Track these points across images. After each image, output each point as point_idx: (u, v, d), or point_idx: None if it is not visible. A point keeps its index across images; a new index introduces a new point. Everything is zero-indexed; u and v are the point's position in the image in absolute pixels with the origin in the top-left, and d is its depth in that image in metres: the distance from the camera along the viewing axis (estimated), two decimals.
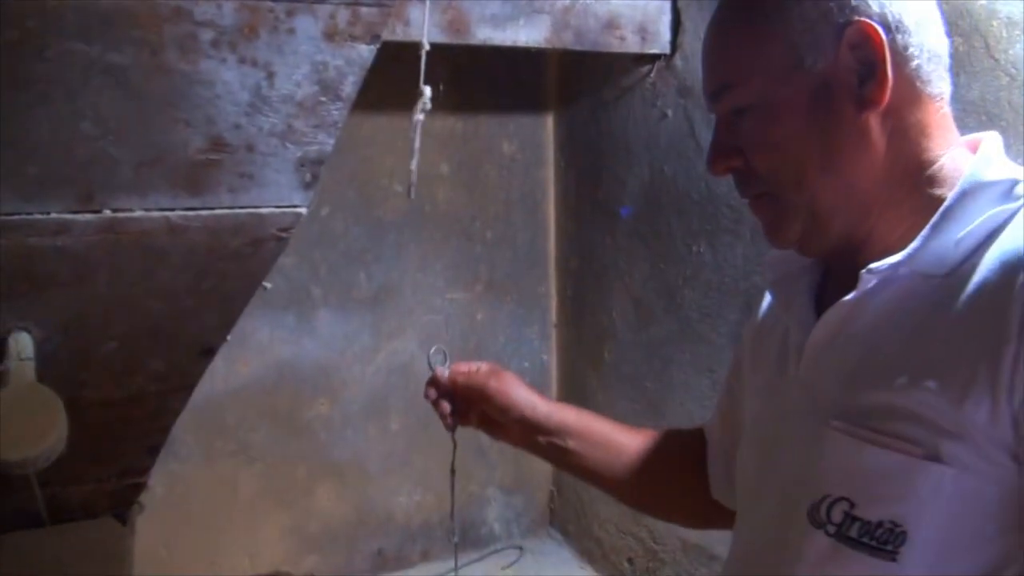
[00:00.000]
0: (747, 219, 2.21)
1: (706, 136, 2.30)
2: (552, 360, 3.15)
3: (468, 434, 3.00)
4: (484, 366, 1.59)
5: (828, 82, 0.96)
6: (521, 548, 3.12)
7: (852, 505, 0.93)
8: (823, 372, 1.02)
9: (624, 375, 2.77)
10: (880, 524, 0.91)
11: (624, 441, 1.46)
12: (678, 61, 2.39)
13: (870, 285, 0.96)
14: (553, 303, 3.12)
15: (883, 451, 0.92)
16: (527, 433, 1.50)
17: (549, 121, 2.99)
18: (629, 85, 2.59)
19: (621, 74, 2.62)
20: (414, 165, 1.60)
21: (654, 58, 2.46)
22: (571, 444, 1.46)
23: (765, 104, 0.98)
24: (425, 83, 1.54)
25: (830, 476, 0.96)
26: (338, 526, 2.87)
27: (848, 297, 0.98)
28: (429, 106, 1.60)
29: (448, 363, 1.62)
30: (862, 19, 0.93)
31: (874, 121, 0.96)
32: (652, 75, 2.49)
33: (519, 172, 2.97)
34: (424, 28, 1.83)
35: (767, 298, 1.24)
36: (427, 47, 1.62)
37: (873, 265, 0.95)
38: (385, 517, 2.95)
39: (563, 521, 3.19)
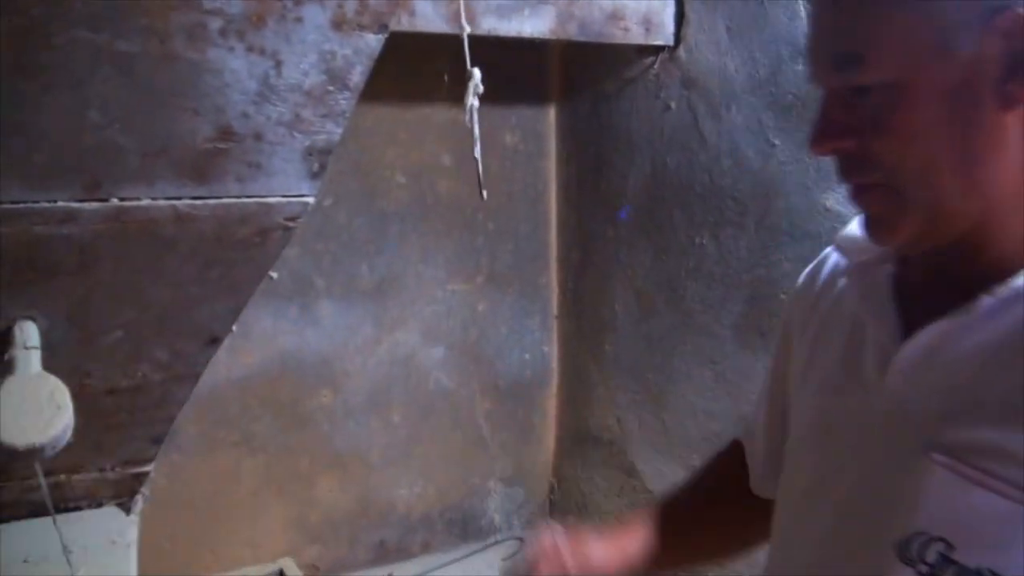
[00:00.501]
0: (752, 211, 2.21)
1: (711, 128, 2.30)
2: (553, 352, 3.15)
3: (469, 423, 3.02)
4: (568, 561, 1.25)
5: (972, 71, 0.84)
6: (522, 539, 3.12)
7: (950, 547, 0.85)
8: (919, 392, 0.92)
9: (625, 367, 2.77)
10: (979, 572, 0.83)
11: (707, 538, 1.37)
12: (682, 53, 2.39)
13: (987, 305, 0.87)
14: (554, 295, 3.12)
15: (992, 495, 0.83)
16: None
17: (551, 113, 2.99)
18: (632, 77, 2.59)
19: (624, 66, 2.61)
20: (478, 153, 1.54)
21: (658, 50, 2.46)
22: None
23: (901, 85, 0.86)
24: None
25: (928, 513, 0.87)
26: (340, 517, 2.88)
27: (959, 316, 0.89)
28: (482, 89, 1.53)
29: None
30: (1018, 8, 0.82)
31: (1014, 120, 0.85)
32: (656, 67, 2.49)
33: (521, 163, 2.97)
34: (461, 15, 1.79)
35: (825, 269, 1.13)
36: (468, 30, 1.57)
37: (999, 290, 0.87)
38: (387, 508, 2.95)
39: (563, 513, 3.19)
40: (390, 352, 2.86)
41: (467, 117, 1.47)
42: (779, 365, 1.21)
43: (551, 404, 3.20)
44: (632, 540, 1.29)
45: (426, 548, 3.03)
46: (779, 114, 2.12)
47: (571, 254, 3.00)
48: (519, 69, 2.91)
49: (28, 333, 1.42)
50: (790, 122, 2.09)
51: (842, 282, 1.07)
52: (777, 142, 2.12)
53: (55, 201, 1.28)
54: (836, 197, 2.00)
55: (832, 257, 1.12)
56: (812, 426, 1.06)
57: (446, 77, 2.61)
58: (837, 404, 1.01)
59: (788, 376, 1.16)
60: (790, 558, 1.06)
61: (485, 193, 1.67)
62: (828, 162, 2.01)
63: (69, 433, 1.35)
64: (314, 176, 1.39)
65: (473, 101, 1.46)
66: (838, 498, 0.97)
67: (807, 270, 1.16)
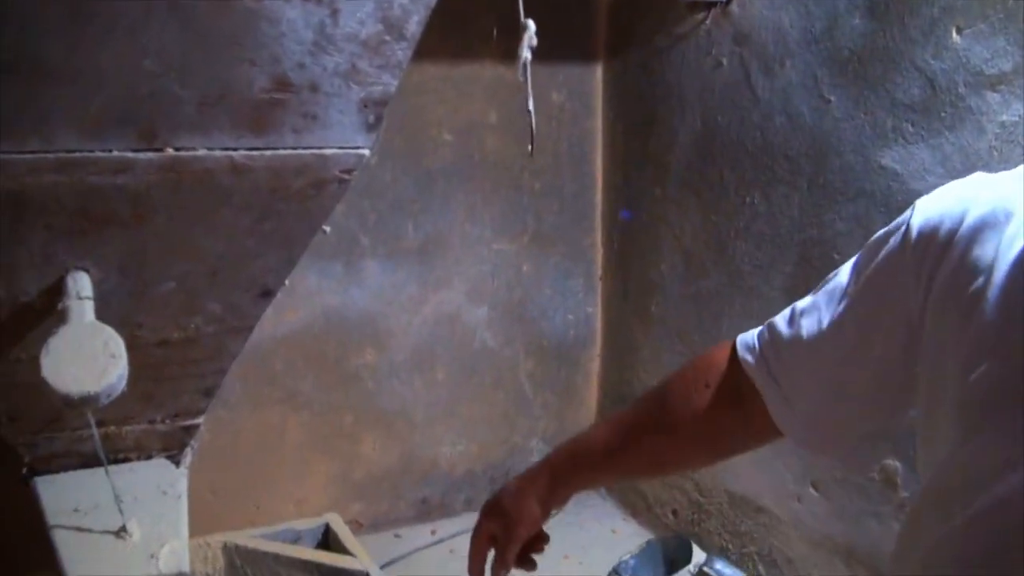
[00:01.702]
0: (804, 170, 2.18)
1: (763, 84, 2.26)
2: (597, 312, 3.14)
3: (512, 383, 3.02)
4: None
5: None
6: None
7: None
8: None
9: (671, 328, 2.75)
10: None
11: (629, 458, 1.36)
12: (735, 7, 2.35)
13: None
14: (599, 255, 3.10)
15: None
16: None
17: (598, 71, 2.96)
18: (682, 33, 2.55)
19: (674, 22, 2.58)
20: (531, 106, 1.51)
21: (710, 5, 2.42)
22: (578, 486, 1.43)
23: None
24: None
25: None
26: (383, 474, 2.89)
27: None
28: (535, 42, 1.49)
29: None
30: None
31: None
32: (707, 22, 2.45)
33: (567, 122, 2.94)
34: None
35: (961, 223, 0.93)
36: None
37: None
38: (430, 466, 2.96)
39: None
40: (435, 311, 2.86)
41: (520, 70, 1.43)
42: (867, 316, 1.04)
43: (594, 365, 3.19)
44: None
45: (468, 506, 3.04)
46: (835, 70, 2.08)
47: (617, 214, 2.97)
48: (566, 26, 2.88)
49: (81, 283, 1.42)
50: (846, 77, 2.05)
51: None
52: (832, 98, 2.09)
53: (110, 151, 1.27)
54: (892, 155, 1.97)
55: (979, 199, 0.93)
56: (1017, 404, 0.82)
57: (495, 32, 2.59)
58: None
59: (889, 329, 1.00)
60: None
61: (532, 149, 1.64)
62: (884, 117, 1.98)
63: (124, 382, 1.35)
64: (370, 128, 1.37)
65: (527, 54, 1.42)
66: None
67: (926, 212, 0.98)
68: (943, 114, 1.86)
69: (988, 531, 0.82)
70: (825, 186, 2.14)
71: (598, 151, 3.01)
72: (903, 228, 1.00)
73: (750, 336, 1.23)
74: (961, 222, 0.92)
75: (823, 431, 1.14)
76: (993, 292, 0.86)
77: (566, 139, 2.95)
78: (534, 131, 1.49)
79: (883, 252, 1.03)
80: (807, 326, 1.12)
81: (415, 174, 2.73)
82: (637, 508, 3.01)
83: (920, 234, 0.97)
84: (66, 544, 1.58)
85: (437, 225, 2.80)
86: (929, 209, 0.98)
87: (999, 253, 0.87)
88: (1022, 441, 0.80)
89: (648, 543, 2.65)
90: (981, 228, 0.90)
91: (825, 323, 1.09)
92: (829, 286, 1.12)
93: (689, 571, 2.34)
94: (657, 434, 1.31)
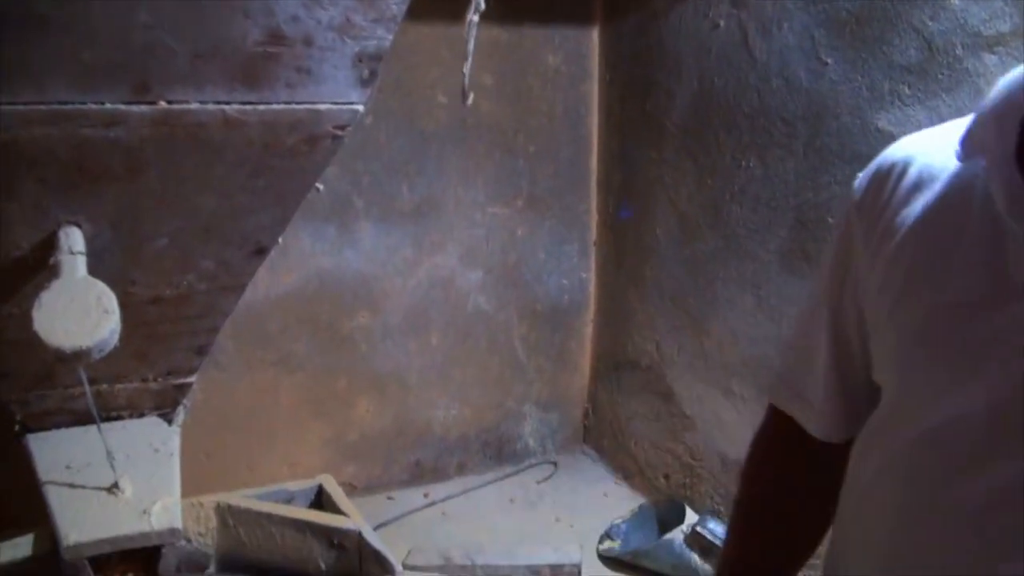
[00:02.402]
0: (801, 133, 2.17)
1: (761, 46, 2.25)
2: (591, 277, 3.14)
3: (506, 347, 3.02)
4: None
5: None
6: (556, 464, 3.13)
7: None
8: None
9: (666, 292, 2.75)
10: None
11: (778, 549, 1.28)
12: None
13: None
14: (594, 220, 3.10)
15: None
16: None
17: (595, 34, 2.94)
18: None
19: None
20: (467, 68, 1.55)
21: None
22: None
23: None
24: None
25: None
26: (377, 437, 2.89)
27: None
28: (483, 6, 1.54)
29: None
30: None
31: None
32: None
33: (563, 85, 2.93)
34: None
35: (902, 178, 0.99)
36: None
37: None
38: (423, 429, 2.97)
39: (598, 438, 3.20)
40: (429, 274, 2.85)
41: (467, 32, 1.48)
42: (838, 291, 1.08)
43: (588, 330, 3.19)
44: None
45: (461, 469, 3.05)
46: (832, 31, 2.06)
47: (612, 178, 2.97)
48: None
49: (74, 238, 1.41)
50: (843, 39, 2.04)
51: (943, 186, 0.95)
52: (829, 60, 2.07)
53: (103, 103, 1.26)
54: (889, 117, 1.96)
55: (905, 163, 0.99)
56: (941, 344, 0.93)
57: None
58: (982, 315, 0.89)
59: (858, 299, 1.05)
60: (918, 479, 0.94)
61: (470, 100, 1.67)
62: (881, 80, 1.97)
63: (116, 338, 1.35)
64: (364, 83, 1.36)
65: (474, 17, 1.49)
66: (987, 408, 0.87)
67: (865, 183, 1.04)
68: (940, 76, 1.85)
69: (926, 455, 0.92)
70: (821, 149, 2.13)
71: (594, 114, 3.00)
72: (850, 206, 1.05)
73: (774, 377, 1.26)
74: (895, 186, 0.99)
75: (844, 420, 1.15)
76: (914, 247, 0.95)
77: (562, 102, 2.94)
78: (466, 87, 1.53)
79: (837, 236, 1.08)
80: (800, 332, 1.18)
81: (409, 136, 2.71)
82: (629, 472, 3.02)
83: (861, 206, 1.03)
84: (58, 500, 1.58)
85: (431, 188, 2.79)
86: (867, 180, 1.04)
87: (921, 213, 0.95)
88: (947, 373, 0.91)
89: (640, 507, 2.66)
90: (911, 189, 0.97)
91: (812, 320, 1.14)
92: (810, 290, 1.18)
93: (682, 531, 2.36)
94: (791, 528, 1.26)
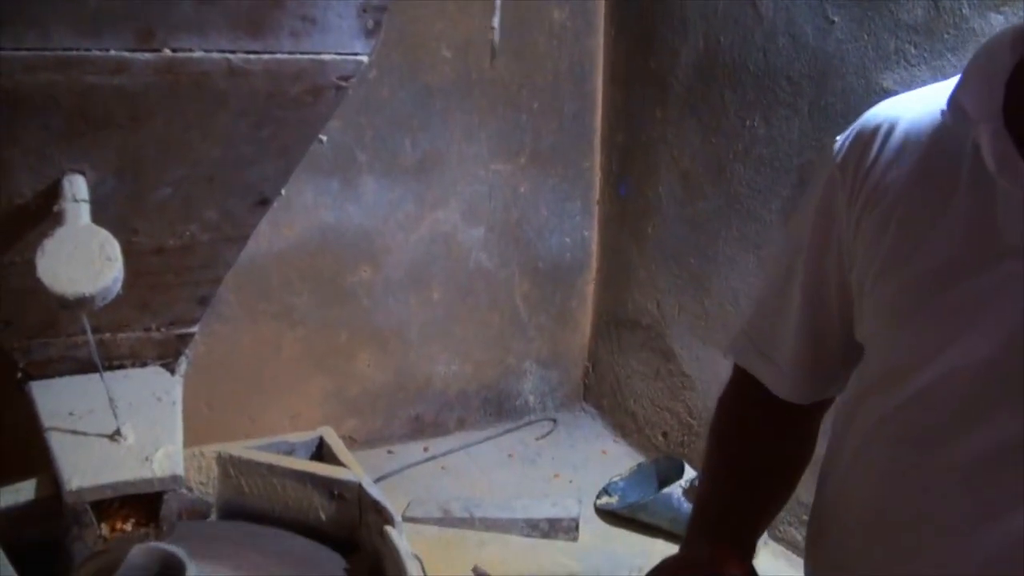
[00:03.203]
0: (806, 92, 2.17)
1: (767, 3, 2.24)
2: (593, 236, 3.14)
3: (507, 304, 3.03)
4: None
5: None
6: (555, 420, 3.15)
7: None
8: None
9: (667, 250, 2.76)
10: None
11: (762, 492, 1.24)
12: None
13: None
14: (597, 178, 3.09)
15: None
16: None
17: None
18: None
19: None
20: (496, 22, 1.52)
21: None
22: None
23: None
24: None
25: None
26: (377, 391, 2.91)
27: None
28: None
29: None
30: None
31: None
32: None
33: (568, 41, 2.91)
34: None
35: (887, 139, 0.99)
36: None
37: None
38: (424, 384, 2.98)
39: (597, 396, 3.22)
40: (431, 230, 2.86)
41: None
42: (817, 253, 1.07)
43: (589, 288, 3.19)
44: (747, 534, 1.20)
45: (461, 425, 3.07)
46: None
47: (616, 135, 2.96)
48: None
49: (77, 186, 1.41)
50: None
51: (930, 147, 0.96)
52: (836, 19, 2.07)
53: (107, 50, 1.26)
54: (894, 77, 1.95)
55: (890, 124, 0.99)
56: (933, 304, 0.93)
57: None
58: (973, 275, 0.90)
59: (841, 261, 1.04)
60: (908, 437, 0.95)
61: (495, 51, 1.65)
62: (887, 39, 1.96)
63: (119, 285, 1.35)
64: (369, 34, 1.36)
65: None
66: (980, 365, 0.88)
67: (847, 144, 1.03)
68: (946, 36, 1.84)
69: (917, 413, 0.93)
70: (826, 109, 2.13)
71: (599, 70, 2.98)
72: (831, 169, 1.04)
73: (735, 337, 1.24)
74: (880, 149, 0.99)
75: (813, 383, 1.16)
76: (901, 209, 0.95)
77: (567, 57, 2.92)
78: (495, 46, 1.51)
79: (817, 197, 1.07)
80: (771, 293, 1.17)
81: (413, 90, 2.70)
82: (627, 429, 3.03)
83: (844, 169, 1.02)
84: (61, 446, 1.59)
85: (435, 143, 2.79)
86: (849, 143, 1.03)
87: (909, 175, 0.95)
88: (937, 333, 0.91)
89: (639, 465, 2.68)
90: (897, 151, 0.97)
91: (786, 282, 1.13)
92: (777, 252, 1.19)
93: (681, 485, 2.37)
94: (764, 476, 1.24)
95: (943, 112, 0.93)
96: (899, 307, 0.96)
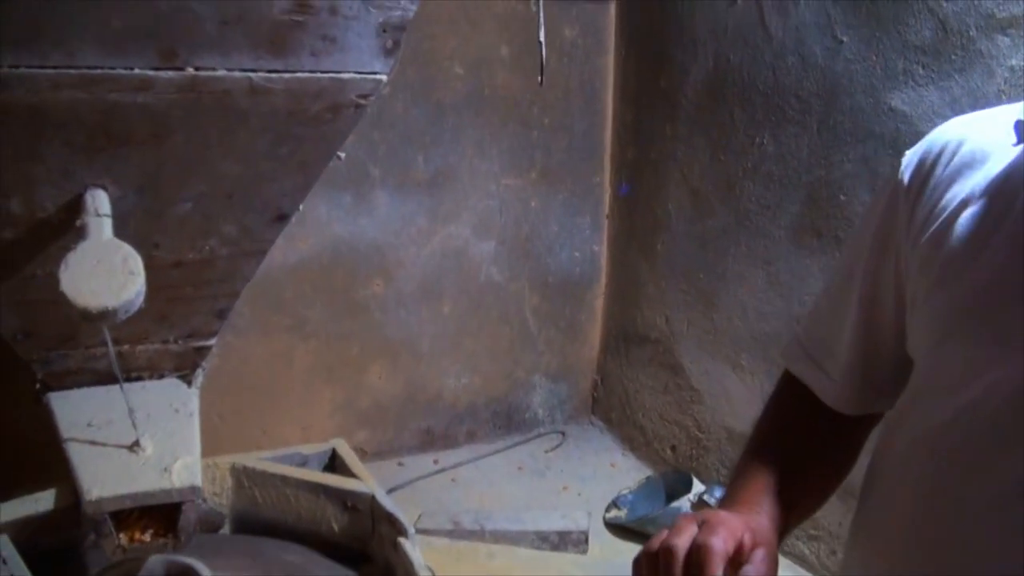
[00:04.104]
0: (815, 110, 2.19)
1: (777, 23, 2.27)
2: (603, 251, 3.16)
3: (517, 318, 3.05)
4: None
5: None
6: (564, 433, 3.17)
7: None
8: None
9: (677, 266, 2.78)
10: None
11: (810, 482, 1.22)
12: None
13: None
14: (607, 194, 3.12)
15: None
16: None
17: (612, 7, 2.95)
18: None
19: None
20: (542, 37, 1.51)
21: None
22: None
23: None
24: None
25: None
26: (388, 403, 2.93)
27: None
28: None
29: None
30: None
31: None
32: None
33: (579, 58, 2.94)
34: None
35: (954, 157, 1.00)
36: None
37: None
38: (434, 397, 3.00)
39: (606, 409, 3.23)
40: (442, 244, 2.88)
41: (534, 3, 1.46)
42: (876, 265, 1.08)
43: (598, 302, 3.22)
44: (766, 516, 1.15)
45: (471, 437, 3.09)
46: (848, 9, 2.08)
47: (626, 152, 2.99)
48: None
49: (100, 201, 1.43)
50: (859, 17, 2.05)
51: (993, 167, 0.96)
52: (845, 39, 2.09)
53: (131, 68, 1.28)
54: (902, 97, 1.98)
55: (958, 143, 1.00)
56: (981, 321, 0.93)
57: None
58: (1018, 297, 0.89)
59: (899, 274, 1.04)
60: (952, 451, 0.94)
61: (542, 80, 1.66)
62: (895, 59, 1.99)
63: (141, 299, 1.37)
64: (387, 53, 1.38)
65: None
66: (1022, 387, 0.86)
67: (915, 161, 1.04)
68: (953, 57, 1.87)
69: (959, 431, 0.92)
70: (835, 127, 2.15)
71: (609, 88, 3.01)
72: (895, 183, 1.05)
73: (788, 343, 1.26)
74: (945, 165, 1.00)
75: (862, 393, 1.16)
76: (959, 226, 0.95)
77: (577, 75, 2.95)
78: (544, 63, 1.51)
79: (879, 211, 1.08)
80: (829, 302, 1.19)
81: (426, 106, 2.74)
82: (636, 443, 3.05)
83: (910, 184, 1.03)
84: (80, 457, 1.61)
85: (447, 158, 2.81)
86: (917, 158, 1.04)
87: (970, 192, 0.96)
88: (983, 351, 0.91)
89: (648, 479, 2.70)
90: (960, 169, 0.98)
91: (844, 291, 1.14)
92: (838, 264, 1.18)
93: (689, 499, 2.39)
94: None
95: (1012, 133, 0.95)
96: (947, 322, 0.96)
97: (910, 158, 1.05)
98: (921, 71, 1.94)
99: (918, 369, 1.02)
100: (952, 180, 0.98)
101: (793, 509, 1.17)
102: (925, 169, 1.02)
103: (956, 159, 0.99)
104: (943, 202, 0.98)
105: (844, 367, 1.14)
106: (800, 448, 1.22)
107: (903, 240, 1.03)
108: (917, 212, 1.01)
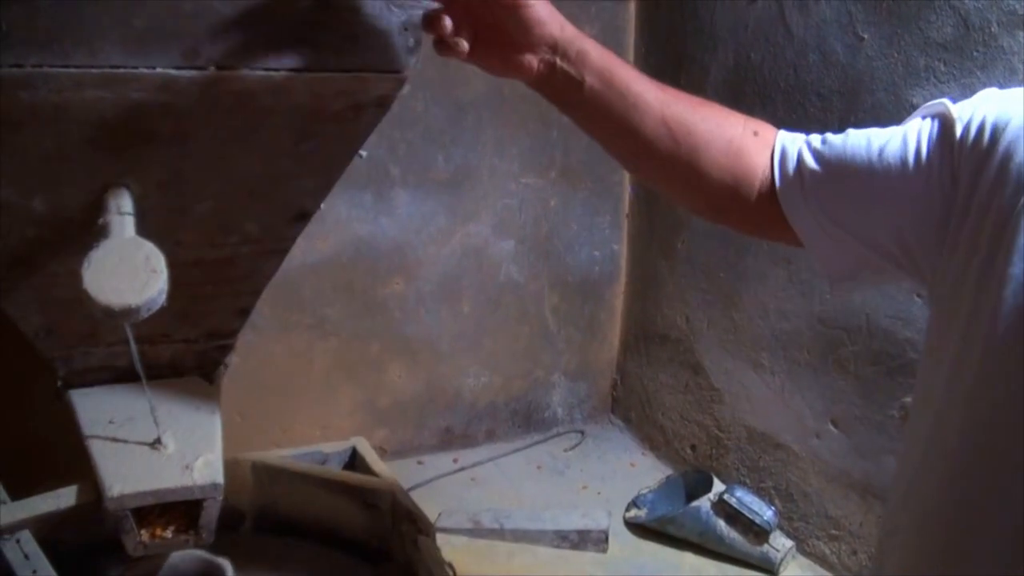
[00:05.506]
0: (836, 108, 2.18)
1: (797, 21, 2.26)
2: (623, 249, 3.16)
3: (536, 317, 3.05)
4: None
5: None
6: (583, 432, 3.17)
7: None
8: None
9: (697, 265, 2.77)
10: None
11: (649, 98, 1.24)
12: None
13: None
14: (626, 192, 3.12)
15: None
16: (549, 60, 1.24)
17: (631, 5, 2.95)
18: None
19: None
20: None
21: None
22: (587, 80, 1.23)
23: None
24: None
25: None
26: (408, 402, 2.93)
27: None
28: None
29: None
30: None
31: None
32: None
33: None
34: None
35: (1003, 125, 1.00)
36: None
37: None
38: (453, 396, 3.01)
39: (625, 408, 3.23)
40: (462, 243, 2.88)
41: None
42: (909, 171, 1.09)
43: (618, 301, 3.21)
44: (579, 37, 1.26)
45: (490, 436, 3.10)
46: (869, 6, 2.07)
47: None
48: None
49: (122, 199, 1.43)
50: (880, 14, 2.04)
51: None
52: (866, 36, 2.08)
53: (154, 67, 1.28)
54: (923, 94, 1.97)
55: (1000, 114, 1.01)
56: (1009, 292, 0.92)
57: None
58: None
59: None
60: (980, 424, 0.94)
61: None
62: (916, 56, 1.98)
63: (163, 297, 1.37)
64: (410, 52, 1.38)
65: None
66: None
67: (970, 125, 1.04)
68: (975, 53, 1.86)
69: (983, 399, 0.92)
70: (856, 125, 2.12)
71: None
72: (958, 120, 1.06)
73: (792, 147, 1.25)
74: (1004, 131, 0.99)
75: (843, 261, 1.16)
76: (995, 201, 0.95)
77: None
78: None
79: (936, 130, 1.10)
80: (854, 145, 1.20)
81: (446, 105, 2.74)
82: (655, 442, 3.05)
83: (965, 132, 1.03)
84: (102, 454, 1.61)
85: (467, 157, 2.82)
86: (980, 111, 1.04)
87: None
88: (1003, 327, 0.90)
89: (668, 478, 2.69)
90: (1017, 140, 0.96)
91: (875, 149, 1.16)
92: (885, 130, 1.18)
93: (709, 499, 2.38)
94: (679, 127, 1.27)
95: None
96: (983, 287, 0.95)
97: (972, 108, 1.07)
98: (943, 68, 1.93)
99: (943, 332, 1.01)
100: (1013, 151, 0.97)
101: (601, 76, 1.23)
102: (986, 127, 1.01)
103: (1016, 128, 0.98)
104: (1005, 176, 0.96)
105: (836, 231, 1.15)
106: (683, 101, 1.26)
107: (948, 186, 1.03)
108: (978, 180, 0.99)
